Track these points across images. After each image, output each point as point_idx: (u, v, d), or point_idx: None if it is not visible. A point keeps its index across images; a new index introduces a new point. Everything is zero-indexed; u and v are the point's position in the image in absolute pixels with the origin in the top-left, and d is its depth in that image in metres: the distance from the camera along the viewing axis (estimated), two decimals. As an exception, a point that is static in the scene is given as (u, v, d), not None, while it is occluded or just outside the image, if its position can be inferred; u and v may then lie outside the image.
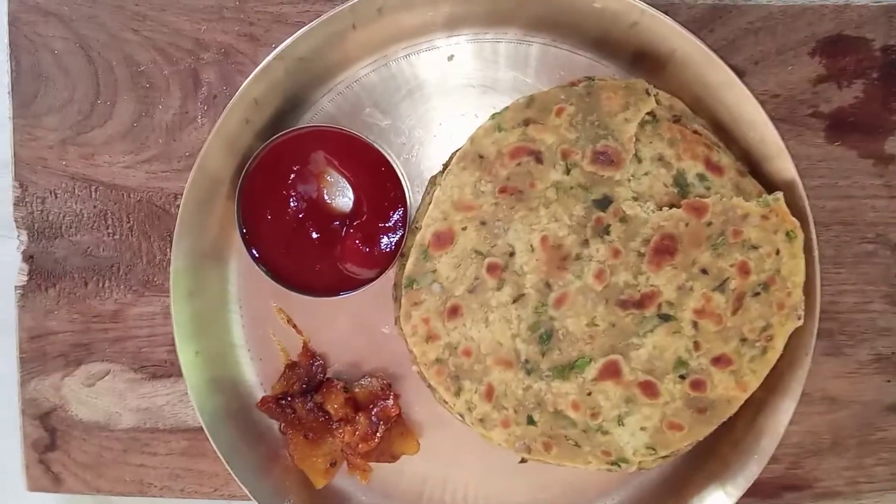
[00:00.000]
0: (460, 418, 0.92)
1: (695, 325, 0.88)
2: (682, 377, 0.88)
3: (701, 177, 0.88)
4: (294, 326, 1.00)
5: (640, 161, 0.88)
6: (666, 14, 0.88)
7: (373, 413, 0.97)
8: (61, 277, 1.02)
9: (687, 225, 0.87)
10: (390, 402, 0.97)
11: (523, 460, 0.94)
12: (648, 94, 0.88)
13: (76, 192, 1.01)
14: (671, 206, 0.87)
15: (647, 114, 0.88)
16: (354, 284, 0.93)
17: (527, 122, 0.88)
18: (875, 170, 0.99)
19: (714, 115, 0.93)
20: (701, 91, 0.92)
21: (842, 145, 0.99)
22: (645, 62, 0.94)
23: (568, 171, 0.87)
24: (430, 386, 0.92)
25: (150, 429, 1.03)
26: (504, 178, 0.87)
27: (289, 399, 0.98)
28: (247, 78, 0.91)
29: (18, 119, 1.00)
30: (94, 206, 1.01)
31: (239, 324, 1.00)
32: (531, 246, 0.88)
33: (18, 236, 1.02)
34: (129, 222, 1.01)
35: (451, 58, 0.98)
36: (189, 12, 0.99)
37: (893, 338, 1.00)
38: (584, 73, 0.94)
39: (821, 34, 0.98)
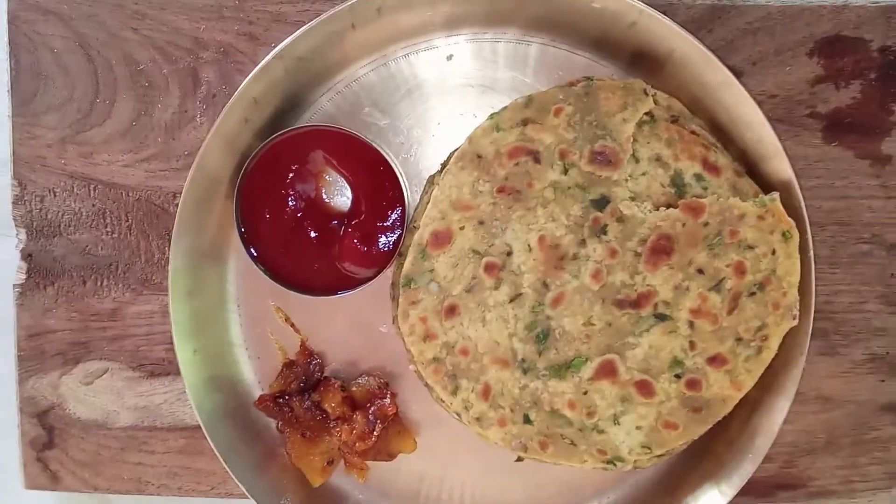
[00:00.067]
0: (457, 417, 0.92)
1: (691, 324, 0.88)
2: (678, 376, 0.89)
3: (698, 177, 0.88)
4: (292, 325, 1.00)
5: (637, 161, 0.88)
6: (664, 14, 0.89)
7: (370, 412, 0.97)
8: (60, 276, 1.02)
9: (684, 225, 0.87)
10: (387, 400, 0.97)
11: (519, 459, 0.94)
12: (646, 94, 0.89)
13: (75, 190, 1.01)
14: (668, 206, 0.87)
15: (645, 114, 0.88)
16: (352, 283, 0.93)
17: (525, 122, 0.88)
18: (872, 170, 1.00)
19: (712, 116, 0.93)
20: (699, 91, 0.92)
21: (839, 146, 1.00)
22: (643, 62, 0.94)
23: (566, 171, 0.88)
24: (427, 385, 0.93)
25: (148, 427, 1.03)
26: (502, 177, 0.88)
27: (286, 397, 0.98)
28: (246, 77, 0.91)
29: (17, 117, 1.00)
30: (93, 205, 1.01)
31: (237, 322, 1.00)
32: (528, 246, 0.88)
33: (17, 234, 1.02)
34: (127, 221, 1.01)
35: (449, 57, 0.98)
36: (188, 11, 0.99)
37: (888, 338, 1.01)
38: (583, 73, 0.94)
39: (819, 35, 0.98)
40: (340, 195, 0.93)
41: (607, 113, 0.88)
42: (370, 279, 0.93)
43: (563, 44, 0.96)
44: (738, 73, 0.92)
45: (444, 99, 0.98)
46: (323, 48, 0.93)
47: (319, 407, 0.97)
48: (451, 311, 0.89)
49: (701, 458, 0.96)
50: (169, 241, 0.94)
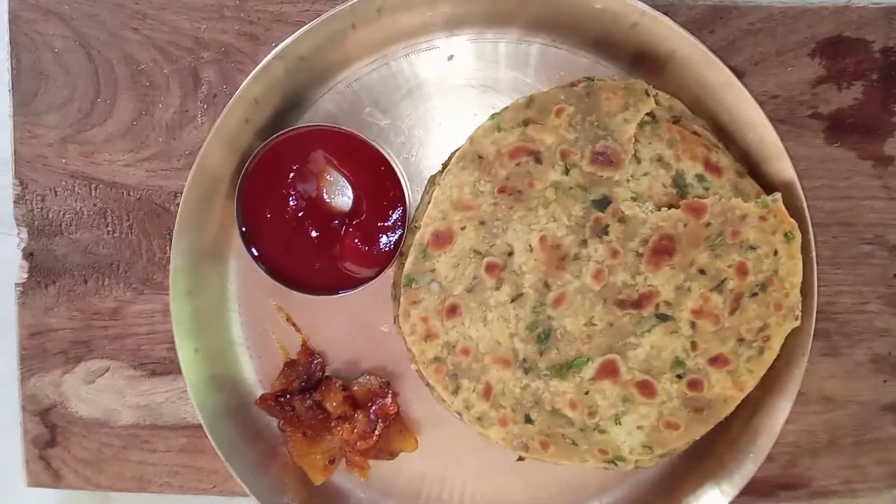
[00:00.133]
0: (458, 416, 0.92)
1: (692, 325, 0.88)
2: (680, 377, 0.89)
3: (700, 177, 0.88)
4: (293, 325, 1.00)
5: (639, 161, 0.88)
6: (666, 15, 0.88)
7: (371, 411, 0.97)
8: (61, 275, 1.02)
9: (685, 225, 0.87)
10: (389, 400, 0.97)
11: (521, 458, 0.94)
12: (648, 94, 0.89)
13: (76, 189, 1.01)
14: (670, 206, 0.87)
15: (647, 114, 0.88)
16: (353, 283, 0.93)
17: (526, 123, 0.88)
18: (874, 171, 1.00)
19: (713, 116, 0.93)
20: (700, 92, 0.92)
21: (841, 146, 0.99)
22: (645, 63, 0.94)
23: (567, 172, 0.88)
24: (428, 384, 0.93)
25: (150, 426, 1.03)
26: (503, 177, 0.88)
27: (288, 397, 0.98)
28: (247, 77, 0.91)
29: (19, 117, 1.00)
30: (94, 204, 1.01)
31: (238, 322, 1.00)
32: (530, 246, 0.88)
33: (18, 234, 1.02)
34: (128, 220, 1.01)
35: (451, 57, 0.98)
36: (189, 11, 0.99)
37: (890, 338, 1.01)
38: (584, 74, 0.94)
39: (821, 35, 0.98)
40: (341, 195, 0.93)
41: (609, 113, 0.88)
42: (371, 279, 0.93)
43: (564, 44, 0.96)
44: (739, 74, 0.92)
45: (445, 99, 0.98)
46: (324, 48, 0.93)
47: (321, 406, 0.97)
48: (453, 310, 0.89)
49: (702, 458, 0.96)
50: (170, 240, 0.94)
